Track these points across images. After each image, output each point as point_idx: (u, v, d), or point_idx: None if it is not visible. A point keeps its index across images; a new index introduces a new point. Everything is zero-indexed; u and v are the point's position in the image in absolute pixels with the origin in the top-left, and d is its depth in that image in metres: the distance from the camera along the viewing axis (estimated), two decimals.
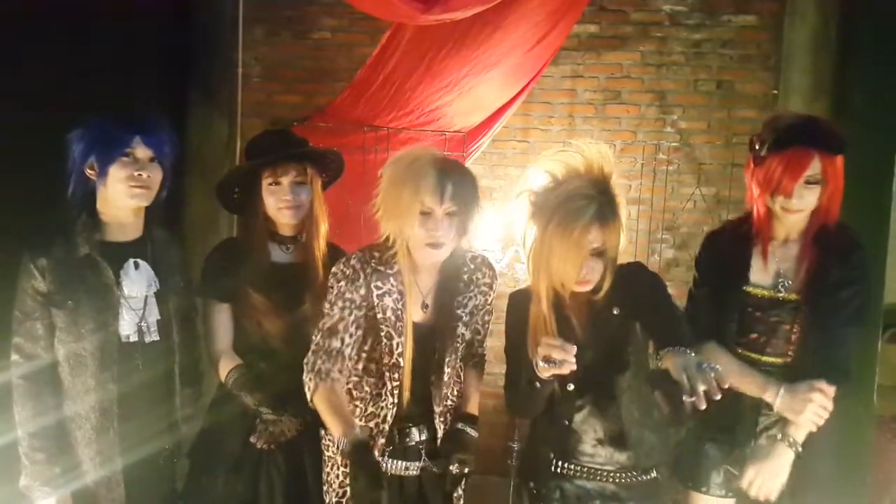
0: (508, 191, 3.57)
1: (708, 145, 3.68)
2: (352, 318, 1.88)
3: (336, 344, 1.87)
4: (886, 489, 3.00)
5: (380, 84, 3.38)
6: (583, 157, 1.80)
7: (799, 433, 1.93)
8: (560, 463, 1.90)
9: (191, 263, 2.17)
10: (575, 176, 1.79)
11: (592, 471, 1.89)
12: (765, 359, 2.01)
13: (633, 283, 1.88)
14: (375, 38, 3.68)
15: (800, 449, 1.92)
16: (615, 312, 1.85)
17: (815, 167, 1.90)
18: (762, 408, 2.01)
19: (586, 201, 1.71)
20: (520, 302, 1.93)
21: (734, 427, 2.05)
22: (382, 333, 1.90)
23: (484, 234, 3.61)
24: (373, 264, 1.90)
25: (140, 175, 1.90)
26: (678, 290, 3.49)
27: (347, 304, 1.88)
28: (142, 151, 1.92)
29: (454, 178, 1.80)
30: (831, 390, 1.91)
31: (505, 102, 3.50)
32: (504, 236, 3.61)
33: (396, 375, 1.90)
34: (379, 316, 1.89)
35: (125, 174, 1.89)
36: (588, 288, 1.81)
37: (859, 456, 2.87)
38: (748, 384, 1.98)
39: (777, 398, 1.93)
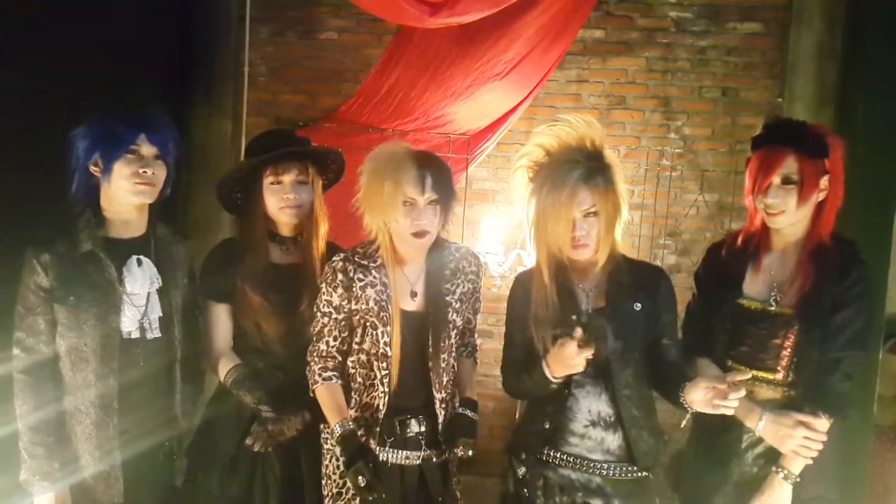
0: (511, 194, 3.57)
1: (711, 152, 3.68)
2: (332, 320, 1.99)
3: (323, 346, 2.00)
4: (886, 499, 2.99)
5: (384, 93, 3.42)
6: (573, 130, 1.89)
7: (792, 464, 1.88)
8: (546, 450, 1.91)
9: (194, 261, 2.17)
10: (566, 148, 1.88)
11: (579, 460, 1.90)
12: (754, 373, 1.95)
13: (656, 288, 1.96)
14: (382, 40, 3.70)
15: (797, 479, 1.88)
16: (637, 308, 1.90)
17: (789, 166, 1.88)
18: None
19: (573, 165, 1.82)
20: (525, 281, 2.00)
21: (721, 440, 2.00)
22: (368, 324, 1.96)
23: (487, 237, 3.62)
24: (356, 259, 1.99)
25: (144, 172, 1.91)
26: (680, 295, 3.48)
27: (328, 306, 2.00)
28: (146, 149, 1.93)
29: (432, 169, 1.91)
30: (822, 422, 1.86)
31: (510, 108, 3.51)
32: (507, 239, 3.61)
33: (385, 365, 1.95)
34: (363, 307, 1.96)
35: (129, 171, 1.89)
36: (585, 254, 1.86)
37: (859, 466, 2.87)
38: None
39: (759, 425, 1.90)
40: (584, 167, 1.81)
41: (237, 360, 2.10)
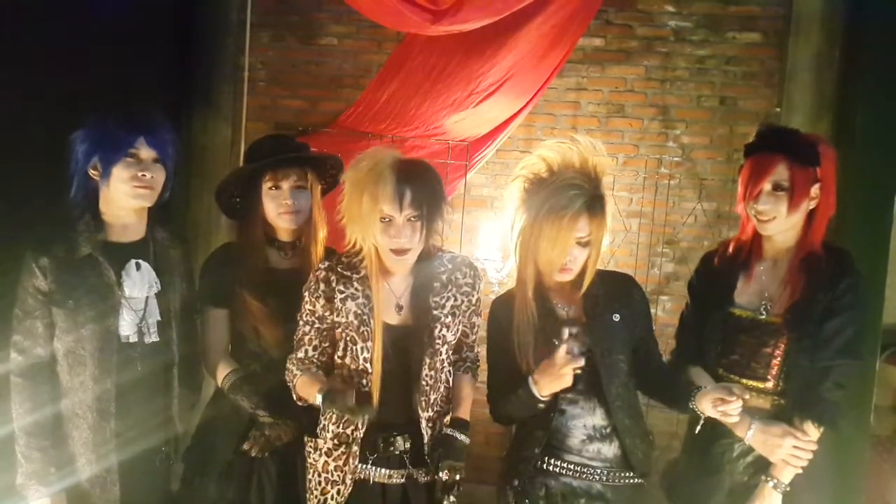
0: (504, 200, 3.58)
1: (710, 161, 3.69)
2: (314, 329, 1.93)
3: (301, 355, 1.94)
4: None
5: (384, 103, 3.43)
6: (579, 151, 1.89)
7: (782, 473, 1.89)
8: (546, 459, 1.92)
9: (193, 265, 2.17)
10: (569, 168, 1.88)
11: (579, 468, 1.90)
12: (745, 381, 1.96)
13: (630, 296, 1.99)
14: (382, 46, 3.70)
15: (787, 488, 1.89)
16: (615, 319, 1.92)
17: (780, 173, 1.90)
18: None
19: (578, 191, 1.82)
20: (503, 304, 1.99)
21: (713, 449, 2.01)
22: (348, 339, 1.89)
23: (485, 243, 3.62)
24: (339, 270, 1.91)
25: (143, 176, 1.91)
26: (677, 303, 3.50)
27: (311, 315, 1.93)
28: (145, 152, 1.93)
29: (413, 183, 1.79)
30: (812, 431, 1.88)
31: (510, 116, 3.52)
32: (505, 245, 3.61)
33: (365, 381, 1.86)
34: (343, 320, 1.88)
35: (128, 175, 1.89)
36: (569, 277, 1.89)
37: (856, 476, 2.87)
38: None
39: (748, 434, 1.90)
40: (587, 194, 1.83)
41: (235, 365, 2.10)
